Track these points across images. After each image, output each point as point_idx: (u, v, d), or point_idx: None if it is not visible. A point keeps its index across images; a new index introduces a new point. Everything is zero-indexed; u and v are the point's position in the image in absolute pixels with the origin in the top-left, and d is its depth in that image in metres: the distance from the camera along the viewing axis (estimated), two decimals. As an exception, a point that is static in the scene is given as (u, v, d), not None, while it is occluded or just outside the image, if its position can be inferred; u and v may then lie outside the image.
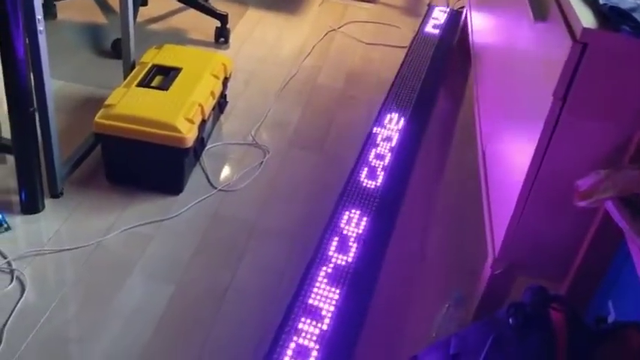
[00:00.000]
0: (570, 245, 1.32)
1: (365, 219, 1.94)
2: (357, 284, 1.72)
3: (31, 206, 1.82)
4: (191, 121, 1.91)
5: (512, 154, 1.52)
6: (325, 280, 1.72)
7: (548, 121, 1.23)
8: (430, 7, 3.35)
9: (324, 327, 1.59)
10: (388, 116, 2.45)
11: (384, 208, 2.01)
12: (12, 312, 1.54)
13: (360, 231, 1.90)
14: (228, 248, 1.82)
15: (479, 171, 1.75)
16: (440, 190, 2.18)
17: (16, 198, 1.84)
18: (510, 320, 0.98)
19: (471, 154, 2.05)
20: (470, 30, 2.52)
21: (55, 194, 1.88)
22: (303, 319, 1.60)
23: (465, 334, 1.11)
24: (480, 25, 2.36)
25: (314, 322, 1.60)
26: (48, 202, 1.87)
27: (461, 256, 1.84)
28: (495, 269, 1.47)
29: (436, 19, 3.24)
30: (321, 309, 1.64)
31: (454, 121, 2.59)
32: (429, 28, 3.14)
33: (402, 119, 2.44)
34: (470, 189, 2.00)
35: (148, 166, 1.95)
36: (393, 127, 2.39)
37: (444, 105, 2.68)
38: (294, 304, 1.64)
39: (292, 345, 1.53)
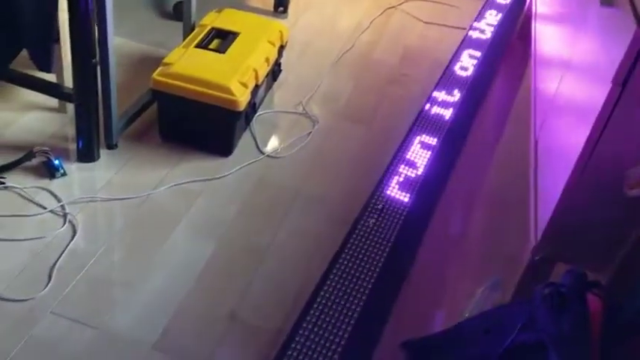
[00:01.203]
0: (616, 235, 1.29)
1: (408, 195, 1.95)
2: (393, 260, 1.73)
3: (86, 155, 1.90)
4: (245, 85, 1.94)
5: (565, 139, 1.49)
6: (363, 252, 1.73)
7: (604, 108, 1.20)
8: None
9: (359, 301, 1.60)
10: (441, 96, 2.42)
11: (428, 187, 2.00)
12: (62, 252, 1.62)
13: (403, 207, 1.90)
14: (270, 212, 1.86)
15: (529, 156, 1.73)
16: (486, 173, 2.16)
17: (73, 146, 1.92)
18: (545, 299, 0.98)
19: (521, 140, 2.02)
20: (534, 15, 2.46)
21: (110, 146, 1.95)
22: (337, 290, 1.62)
23: (499, 311, 1.11)
24: (545, 10, 2.31)
25: (346, 294, 1.62)
26: (103, 152, 1.94)
27: (501, 240, 1.82)
28: (536, 255, 1.46)
29: (499, 1, 3.16)
30: (356, 280, 1.66)
31: (508, 107, 2.55)
32: (490, 11, 3.08)
33: (455, 100, 2.42)
34: (516, 174, 1.98)
35: (201, 126, 2.00)
36: (444, 108, 2.37)
37: (500, 90, 2.64)
38: (330, 271, 1.67)
39: (326, 309, 1.55)
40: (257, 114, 2.20)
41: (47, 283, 1.53)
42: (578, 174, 1.31)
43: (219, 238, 1.74)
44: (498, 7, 3.10)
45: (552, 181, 1.46)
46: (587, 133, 1.26)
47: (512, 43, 2.87)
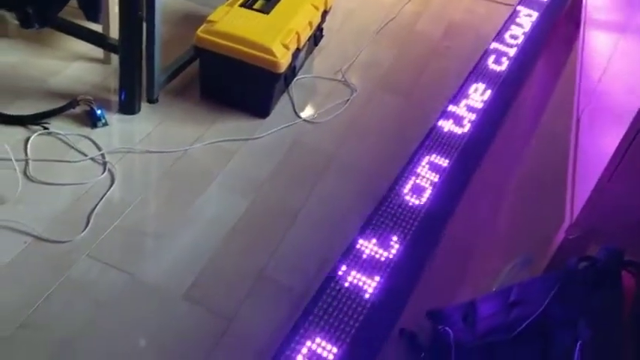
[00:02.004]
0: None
1: (439, 174, 1.93)
2: (424, 228, 1.73)
3: (128, 107, 1.93)
4: (286, 47, 1.94)
5: (608, 121, 1.47)
6: (393, 221, 1.73)
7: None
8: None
9: (386, 268, 1.61)
10: (482, 72, 2.39)
11: (464, 161, 1.99)
12: (100, 200, 1.66)
13: (436, 179, 1.89)
14: (304, 175, 1.87)
15: (569, 137, 1.71)
16: (524, 152, 2.13)
17: (115, 98, 1.96)
18: (580, 273, 0.97)
19: (562, 122, 1.99)
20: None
21: (151, 100, 1.98)
22: (365, 255, 1.63)
23: (528, 284, 1.11)
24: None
25: (374, 261, 1.63)
26: (144, 106, 1.97)
27: (533, 220, 1.81)
28: (570, 234, 1.45)
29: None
30: (384, 248, 1.66)
31: (551, 87, 2.50)
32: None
33: (497, 77, 2.38)
34: (555, 155, 1.95)
35: (240, 85, 2.01)
36: (484, 85, 2.34)
37: (543, 70, 2.58)
38: (359, 237, 1.68)
39: (352, 273, 1.57)
40: (296, 78, 2.20)
41: (85, 228, 1.58)
42: (619, 156, 1.30)
43: (252, 197, 1.77)
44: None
45: (592, 162, 1.44)
46: (633, 114, 1.24)
47: (560, 23, 2.80)
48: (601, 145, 1.42)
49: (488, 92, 2.30)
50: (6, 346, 1.31)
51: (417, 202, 1.80)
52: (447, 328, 1.27)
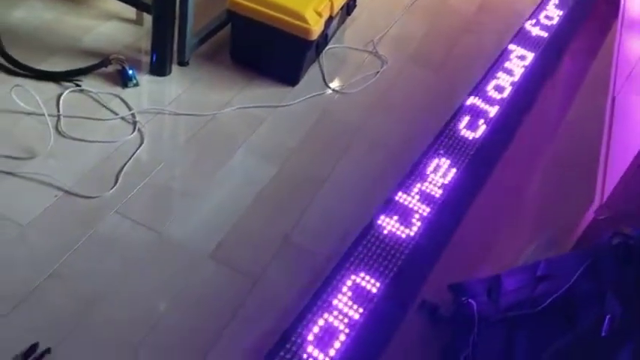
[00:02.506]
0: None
1: (471, 145, 1.92)
2: (448, 206, 1.73)
3: (159, 68, 1.93)
4: (319, 15, 1.93)
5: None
6: (417, 197, 1.73)
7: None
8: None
9: (410, 240, 1.61)
10: (515, 50, 2.35)
11: (493, 139, 1.97)
12: (130, 158, 1.67)
13: (465, 155, 1.88)
14: (331, 145, 1.87)
15: (604, 117, 1.68)
16: (556, 131, 2.10)
17: (146, 59, 1.96)
18: (613, 249, 0.96)
19: (597, 102, 1.95)
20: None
21: (182, 62, 1.98)
22: (390, 225, 1.63)
23: (556, 259, 1.10)
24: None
25: (399, 231, 1.63)
26: (175, 68, 1.97)
27: (563, 198, 1.79)
28: (599, 215, 1.43)
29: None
30: (409, 219, 1.66)
31: (585, 68, 2.45)
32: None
33: (530, 55, 2.34)
34: (587, 135, 1.93)
35: (271, 52, 2.00)
36: (518, 61, 2.30)
37: (578, 50, 2.53)
38: (385, 207, 1.67)
39: (366, 258, 1.56)
40: (327, 47, 2.19)
41: (113, 185, 1.60)
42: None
43: (279, 164, 1.77)
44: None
45: (627, 142, 1.42)
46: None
47: (598, 3, 2.74)
48: (637, 126, 1.39)
49: (521, 70, 2.26)
50: (36, 294, 1.34)
51: (440, 180, 1.79)
52: (470, 300, 1.28)
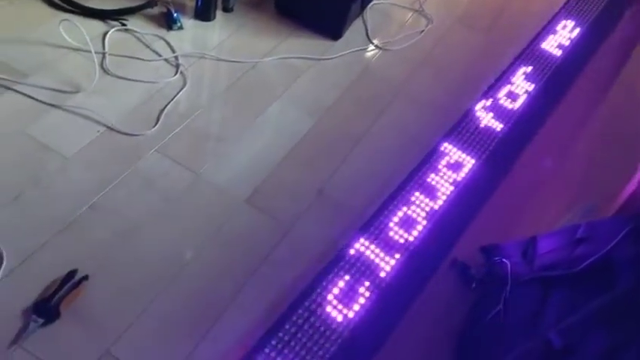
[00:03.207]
0: None
1: (518, 106, 1.89)
2: (486, 169, 1.70)
3: (204, 14, 1.93)
4: (368, -33, 1.89)
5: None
6: (457, 156, 1.71)
7: None
8: None
9: (436, 206, 1.59)
10: (563, 22, 2.28)
11: (539, 104, 1.93)
12: (171, 100, 1.68)
13: (502, 123, 1.85)
14: (371, 101, 1.85)
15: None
16: (601, 103, 2.05)
17: (191, 3, 1.95)
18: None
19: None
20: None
21: (227, 9, 1.97)
22: (425, 185, 1.62)
23: (597, 223, 1.09)
24: None
25: (435, 191, 1.62)
26: (219, 14, 1.96)
27: (606, 169, 1.75)
28: (642, 185, 1.40)
29: None
30: (446, 180, 1.65)
31: (634, 43, 2.37)
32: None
33: (579, 27, 2.27)
34: (631, 108, 1.88)
35: (316, 3, 1.97)
36: (566, 33, 2.24)
37: (628, 26, 2.45)
38: (422, 166, 1.66)
39: (401, 212, 1.55)
40: (372, 2, 2.15)
41: (154, 125, 1.61)
42: None
43: (317, 116, 1.76)
44: None
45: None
46: None
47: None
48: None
49: (572, 35, 2.20)
50: (76, 224, 1.38)
51: (485, 138, 1.77)
52: (504, 260, 1.27)
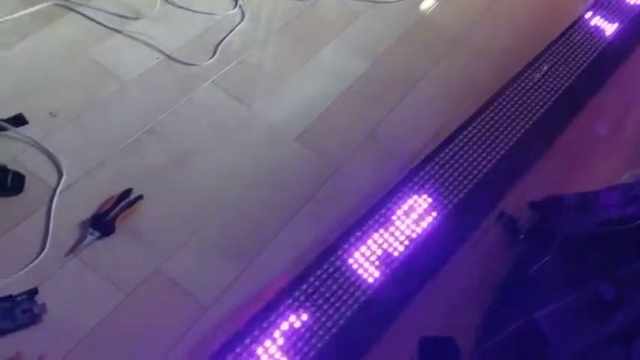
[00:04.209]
0: None
1: (581, 61, 1.84)
2: (544, 121, 1.67)
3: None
4: None
5: None
6: (515, 107, 1.67)
7: None
8: None
9: (500, 149, 1.57)
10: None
11: (605, 58, 1.87)
12: (229, 33, 1.69)
13: (563, 78, 1.80)
14: (429, 48, 1.82)
15: None
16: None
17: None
18: None
19: None
20: None
21: (288, -55, 1.94)
22: (480, 134, 1.61)
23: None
24: None
25: (489, 141, 1.60)
26: (280, -52, 1.94)
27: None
28: None
29: None
30: (500, 131, 1.62)
31: None
32: None
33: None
34: None
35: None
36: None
37: None
38: (478, 116, 1.64)
39: (449, 163, 1.54)
40: (437, -52, 2.09)
41: (212, 56, 1.62)
42: None
43: (373, 60, 1.75)
44: None
45: None
46: None
47: None
48: None
49: None
50: (133, 146, 1.42)
51: (534, 102, 1.73)
52: (555, 212, 1.26)
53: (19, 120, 1.38)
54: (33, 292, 1.17)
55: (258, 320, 1.18)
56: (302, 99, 1.62)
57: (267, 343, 1.15)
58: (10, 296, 1.16)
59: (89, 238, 1.25)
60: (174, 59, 1.59)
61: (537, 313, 1.03)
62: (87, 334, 1.16)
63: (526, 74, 1.78)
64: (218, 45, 1.65)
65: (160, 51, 1.60)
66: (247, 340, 1.15)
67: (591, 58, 1.89)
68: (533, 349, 1.01)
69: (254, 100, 1.57)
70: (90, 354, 1.14)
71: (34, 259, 1.22)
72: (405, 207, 1.43)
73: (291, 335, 1.17)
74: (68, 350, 1.13)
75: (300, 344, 1.16)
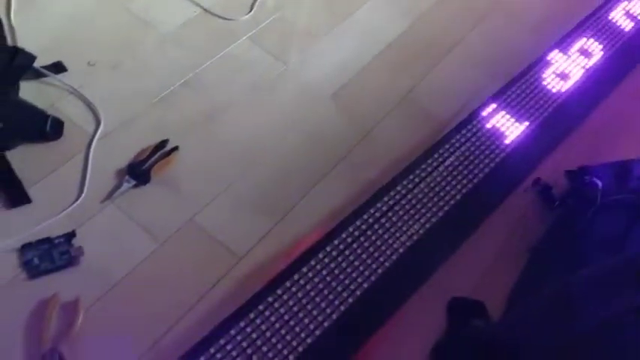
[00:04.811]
0: None
1: (621, 34, 1.78)
2: (582, 89, 1.63)
3: None
4: None
5: None
6: (550, 78, 1.64)
7: None
8: None
9: (547, 108, 1.55)
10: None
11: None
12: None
13: (610, 43, 1.74)
14: (467, 11, 1.78)
15: None
16: None
17: None
18: None
19: None
20: None
21: None
22: (519, 98, 1.57)
23: None
24: None
25: (532, 101, 1.57)
26: None
27: None
28: None
29: None
30: (544, 92, 1.59)
31: None
32: None
33: None
34: None
35: None
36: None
37: None
38: (517, 80, 1.60)
39: (486, 127, 1.51)
40: None
41: (249, 12, 1.61)
42: None
43: (412, 20, 1.72)
44: None
45: None
46: None
47: None
48: None
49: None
50: (170, 98, 1.42)
51: (585, 61, 1.68)
52: (594, 179, 1.24)
53: (58, 67, 1.40)
54: (70, 235, 1.19)
55: (289, 272, 1.18)
56: (337, 58, 1.60)
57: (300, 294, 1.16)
58: (48, 238, 1.19)
59: (125, 186, 1.27)
60: (211, 13, 1.59)
61: (570, 277, 1.02)
62: (121, 279, 1.18)
63: (568, 39, 1.73)
64: (255, 1, 1.64)
65: (198, 4, 1.59)
66: (279, 291, 1.16)
67: None
68: (564, 313, 1.00)
69: (289, 57, 1.56)
70: (123, 298, 1.16)
71: (72, 203, 1.24)
72: (439, 170, 1.41)
73: (323, 289, 1.18)
74: (103, 293, 1.16)
75: (331, 297, 1.17)
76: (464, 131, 1.50)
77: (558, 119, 1.56)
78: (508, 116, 1.54)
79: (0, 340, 1.09)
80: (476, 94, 1.59)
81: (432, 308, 1.23)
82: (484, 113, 1.53)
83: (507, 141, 1.51)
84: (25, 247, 1.17)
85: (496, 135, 1.51)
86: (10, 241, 1.18)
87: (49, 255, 1.17)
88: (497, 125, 1.52)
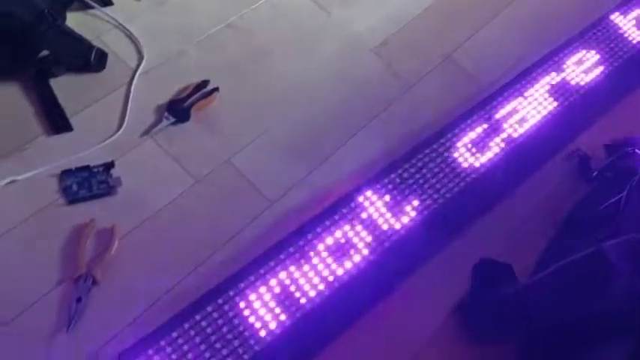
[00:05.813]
0: None
1: None
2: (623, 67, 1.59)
3: None
4: None
5: None
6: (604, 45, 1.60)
7: None
8: None
9: (579, 91, 1.52)
10: None
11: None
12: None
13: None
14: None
15: None
16: None
17: None
18: None
19: None
20: None
21: None
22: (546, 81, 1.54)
23: None
24: None
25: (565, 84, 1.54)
26: None
27: None
28: None
29: None
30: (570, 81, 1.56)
31: None
32: None
33: None
34: None
35: None
36: None
37: None
38: (554, 55, 1.57)
39: (524, 96, 1.48)
40: None
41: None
42: None
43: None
44: None
45: None
46: None
47: None
48: None
49: None
50: (212, 39, 1.42)
51: (635, 33, 1.63)
52: (636, 150, 1.22)
53: (105, 0, 1.40)
54: (109, 165, 1.21)
55: (322, 218, 1.19)
56: (382, 11, 1.58)
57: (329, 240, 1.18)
58: (88, 167, 1.21)
59: (164, 122, 1.28)
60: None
61: (606, 243, 1.01)
62: (156, 212, 1.20)
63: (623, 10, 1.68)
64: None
65: (247, -54, 1.57)
66: (309, 236, 1.17)
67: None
68: (597, 278, 0.99)
69: (334, 7, 1.55)
70: (157, 230, 1.19)
71: (112, 135, 1.26)
72: (470, 136, 1.39)
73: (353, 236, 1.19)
74: (138, 224, 1.18)
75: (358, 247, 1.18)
76: (505, 94, 1.48)
77: (605, 89, 1.53)
78: (549, 85, 1.51)
79: (36, 261, 1.12)
80: (522, 57, 1.56)
81: (458, 269, 1.23)
82: (529, 77, 1.51)
83: (549, 109, 1.48)
84: (65, 173, 1.20)
85: (538, 101, 1.49)
86: (50, 166, 1.20)
87: (88, 182, 1.19)
88: (542, 91, 1.50)
